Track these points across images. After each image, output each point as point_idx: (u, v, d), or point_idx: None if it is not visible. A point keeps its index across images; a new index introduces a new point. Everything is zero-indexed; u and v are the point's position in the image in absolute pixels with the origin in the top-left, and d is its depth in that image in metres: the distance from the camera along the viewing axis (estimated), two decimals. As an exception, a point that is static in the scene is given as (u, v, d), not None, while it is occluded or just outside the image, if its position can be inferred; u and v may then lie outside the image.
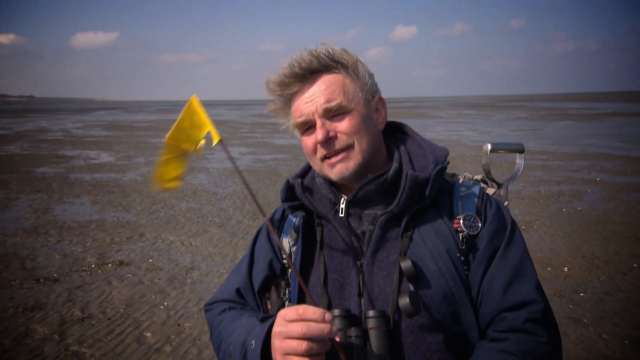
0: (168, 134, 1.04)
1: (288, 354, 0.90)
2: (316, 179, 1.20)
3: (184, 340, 3.78)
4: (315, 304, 0.99)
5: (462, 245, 1.08)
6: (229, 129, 27.10)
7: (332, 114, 1.09)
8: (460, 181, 1.22)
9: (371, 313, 1.02)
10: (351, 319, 1.04)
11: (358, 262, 1.11)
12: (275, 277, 1.23)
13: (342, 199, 1.15)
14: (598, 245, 5.97)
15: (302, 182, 1.19)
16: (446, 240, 1.08)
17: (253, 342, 1.01)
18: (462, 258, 1.08)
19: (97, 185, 10.38)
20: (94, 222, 7.39)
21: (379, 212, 1.11)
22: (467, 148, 15.98)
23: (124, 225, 7.20)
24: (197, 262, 5.59)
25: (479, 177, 1.32)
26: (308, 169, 1.25)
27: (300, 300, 1.15)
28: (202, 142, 1.05)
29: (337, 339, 0.96)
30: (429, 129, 24.69)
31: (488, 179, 1.33)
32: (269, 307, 1.23)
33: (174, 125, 1.04)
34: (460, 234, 1.09)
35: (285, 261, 1.22)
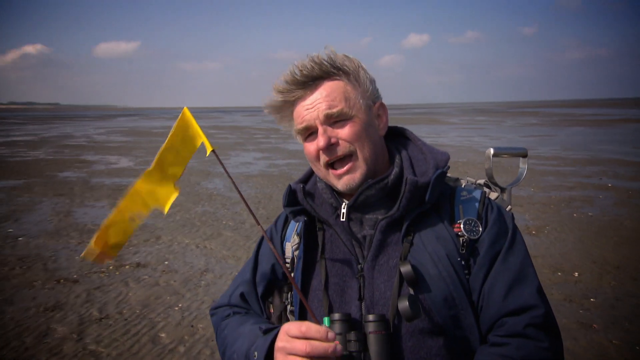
0: (153, 163, 1.05)
1: None
2: (318, 184, 1.21)
3: (197, 341, 3.83)
4: (315, 315, 1.01)
5: (462, 250, 1.08)
6: (244, 135, 27.33)
7: (334, 120, 1.10)
8: (463, 185, 1.22)
9: (370, 317, 1.02)
10: (351, 323, 1.04)
11: (359, 267, 1.11)
12: (278, 281, 1.25)
13: (344, 203, 1.15)
14: (609, 251, 5.85)
15: (303, 187, 1.20)
16: (446, 244, 1.08)
17: (256, 353, 1.03)
18: (463, 262, 1.08)
19: (116, 189, 10.59)
20: (113, 225, 7.58)
21: (380, 217, 1.12)
22: (477, 154, 15.77)
23: (141, 228, 7.33)
24: (211, 265, 5.66)
25: (482, 181, 1.32)
26: (310, 174, 1.26)
27: (302, 304, 1.16)
28: (169, 204, 1.07)
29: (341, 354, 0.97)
30: (441, 135, 24.44)
31: (491, 183, 1.32)
32: (272, 310, 1.25)
33: (162, 147, 1.06)
34: (461, 238, 1.08)
35: (288, 265, 1.23)
